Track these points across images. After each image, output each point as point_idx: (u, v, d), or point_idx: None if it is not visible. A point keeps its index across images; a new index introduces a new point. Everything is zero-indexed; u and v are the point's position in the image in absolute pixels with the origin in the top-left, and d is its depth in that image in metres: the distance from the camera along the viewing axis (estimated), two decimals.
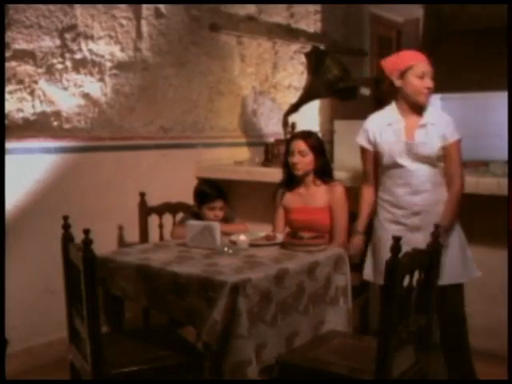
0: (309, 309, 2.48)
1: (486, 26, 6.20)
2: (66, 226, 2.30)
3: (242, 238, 2.69)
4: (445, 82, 6.61)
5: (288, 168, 3.04)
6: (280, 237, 2.86)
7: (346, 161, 3.65)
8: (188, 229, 2.74)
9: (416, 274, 2.15)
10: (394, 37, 6.73)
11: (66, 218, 2.32)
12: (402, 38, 6.73)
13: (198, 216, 3.10)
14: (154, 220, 3.43)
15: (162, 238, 3.38)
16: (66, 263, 2.31)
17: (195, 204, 3.16)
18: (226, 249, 2.59)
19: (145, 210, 3.37)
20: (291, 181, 3.08)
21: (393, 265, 1.96)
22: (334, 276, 2.64)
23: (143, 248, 2.78)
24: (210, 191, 3.08)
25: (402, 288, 2.06)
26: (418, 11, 6.64)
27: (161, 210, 3.42)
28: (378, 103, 5.14)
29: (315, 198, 3.02)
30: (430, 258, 2.21)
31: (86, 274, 2.04)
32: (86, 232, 2.03)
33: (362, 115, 5.06)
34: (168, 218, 3.44)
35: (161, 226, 3.40)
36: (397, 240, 1.97)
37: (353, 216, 3.04)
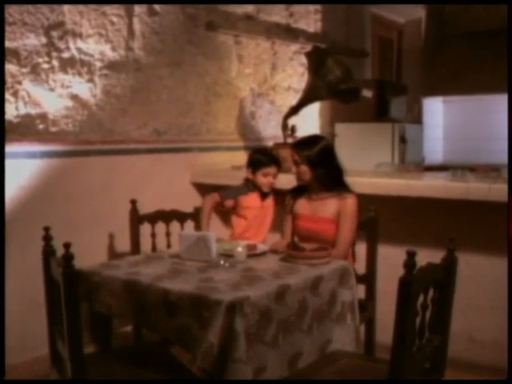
0: (313, 327, 2.29)
1: (489, 27, 6.10)
2: (48, 239, 2.11)
3: (240, 249, 2.50)
4: (447, 85, 6.57)
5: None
6: (262, 247, 2.72)
7: (347, 165, 3.47)
8: (181, 240, 2.54)
9: (431, 292, 1.97)
10: (395, 38, 6.62)
11: (46, 230, 2.12)
12: (403, 39, 6.63)
13: (252, 183, 3.07)
14: (146, 229, 3.24)
15: (154, 247, 3.20)
16: (47, 278, 2.12)
17: (249, 171, 3.10)
18: (221, 262, 2.40)
19: (136, 219, 3.18)
20: (300, 187, 2.92)
21: (407, 282, 1.77)
22: (339, 291, 2.45)
23: (134, 260, 2.58)
24: (265, 157, 3.08)
25: (416, 307, 1.88)
26: (419, 12, 6.55)
27: (153, 218, 3.23)
28: (382, 106, 5.09)
29: (325, 208, 2.83)
30: (445, 273, 2.03)
31: (67, 292, 1.85)
32: (67, 246, 1.84)
33: (364, 118, 4.99)
34: (161, 227, 3.25)
35: (153, 236, 3.22)
36: (411, 255, 1.78)
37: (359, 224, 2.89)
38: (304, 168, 2.80)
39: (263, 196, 3.10)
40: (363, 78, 5.36)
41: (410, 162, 4.87)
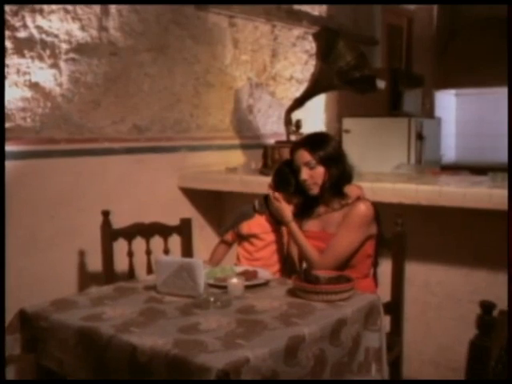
0: None
1: (505, 14, 5.63)
2: None
3: (235, 281, 1.93)
4: (460, 77, 6.11)
5: (302, 191, 2.34)
6: (264, 274, 2.20)
7: (359, 166, 2.92)
8: (158, 268, 1.97)
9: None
10: (404, 25, 6.17)
11: None
12: (413, 26, 6.19)
13: (267, 203, 2.46)
14: (122, 246, 2.69)
15: (132, 269, 2.65)
16: None
17: (271, 185, 2.44)
18: (211, 299, 1.83)
19: (109, 234, 2.63)
20: (305, 205, 2.37)
21: (483, 349, 1.20)
22: (363, 334, 1.89)
23: (98, 295, 2.00)
24: (294, 181, 2.37)
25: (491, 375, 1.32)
26: None
27: (130, 233, 2.68)
28: (395, 98, 4.57)
29: (335, 222, 2.28)
30: None
31: None
32: None
33: (376, 112, 4.47)
34: (140, 243, 2.71)
35: (130, 255, 2.66)
36: (487, 308, 1.21)
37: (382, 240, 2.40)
38: (320, 170, 2.28)
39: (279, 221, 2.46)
40: (374, 68, 4.86)
41: (427, 162, 4.44)
